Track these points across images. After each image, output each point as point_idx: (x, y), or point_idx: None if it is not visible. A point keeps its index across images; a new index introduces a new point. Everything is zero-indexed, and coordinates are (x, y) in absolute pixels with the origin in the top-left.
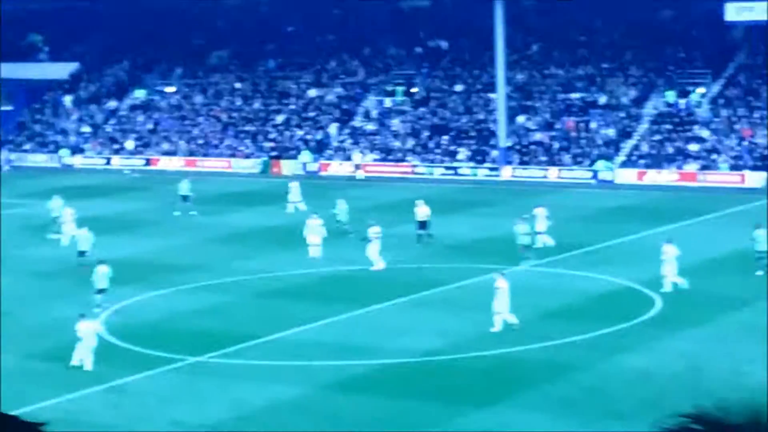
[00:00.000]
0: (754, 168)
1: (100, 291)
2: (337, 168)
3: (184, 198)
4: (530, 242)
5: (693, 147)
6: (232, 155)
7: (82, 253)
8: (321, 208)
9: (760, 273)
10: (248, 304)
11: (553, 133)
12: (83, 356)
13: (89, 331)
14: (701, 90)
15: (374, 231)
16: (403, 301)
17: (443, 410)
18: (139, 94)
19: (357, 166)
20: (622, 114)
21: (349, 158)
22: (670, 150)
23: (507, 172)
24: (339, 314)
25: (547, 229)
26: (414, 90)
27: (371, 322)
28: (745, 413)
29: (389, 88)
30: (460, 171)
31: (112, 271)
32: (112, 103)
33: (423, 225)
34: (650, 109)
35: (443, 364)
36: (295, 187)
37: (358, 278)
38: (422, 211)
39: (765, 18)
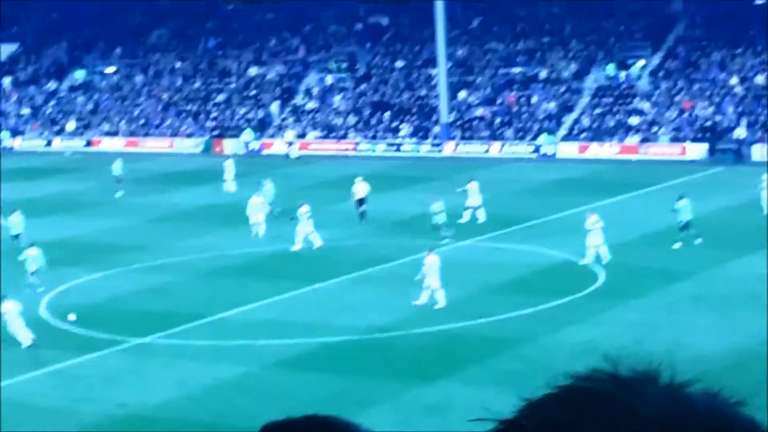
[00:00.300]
0: (695, 140)
1: (33, 273)
2: (280, 146)
3: (117, 178)
4: (445, 220)
5: (634, 120)
6: (174, 135)
7: (15, 237)
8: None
9: (692, 243)
10: (192, 283)
11: (495, 108)
12: (21, 336)
13: (12, 311)
14: (641, 62)
15: (303, 210)
16: (348, 278)
17: (388, 386)
18: (79, 75)
19: (290, 144)
20: (563, 88)
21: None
22: (611, 123)
23: (449, 148)
24: (283, 292)
25: (480, 203)
26: (355, 67)
27: (316, 299)
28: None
29: (330, 65)
30: (402, 147)
31: (54, 252)
32: (52, 84)
33: (361, 202)
34: (591, 82)
35: (388, 340)
36: (229, 166)
37: (301, 256)
38: (360, 189)
39: None
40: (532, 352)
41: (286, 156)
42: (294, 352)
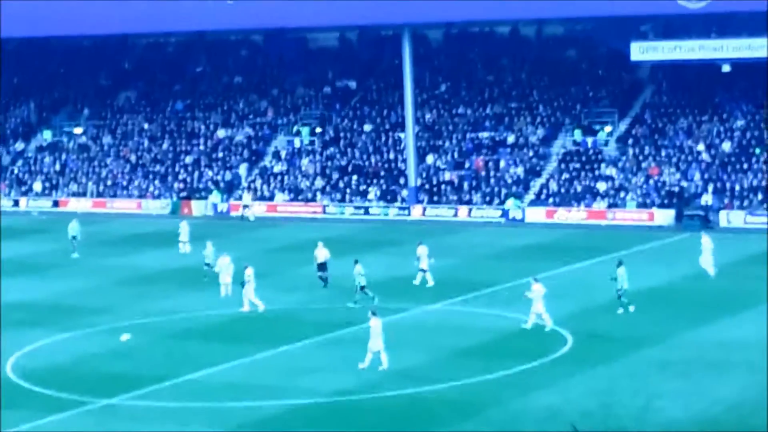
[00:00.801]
0: (662, 206)
1: None
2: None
3: (73, 238)
4: (365, 283)
5: (601, 185)
6: (142, 196)
7: None
8: (230, 248)
9: (627, 310)
10: (158, 345)
11: (463, 173)
12: None
13: None
14: (608, 128)
15: (248, 273)
16: (314, 341)
17: None
18: (47, 135)
19: (245, 207)
20: (531, 153)
21: (262, 198)
22: (579, 188)
23: (417, 212)
24: (249, 355)
25: (429, 268)
26: (318, 130)
27: (282, 362)
28: None
29: (298, 128)
30: (370, 210)
31: (19, 313)
32: (19, 145)
33: (322, 267)
34: (558, 147)
35: (355, 403)
36: (184, 227)
37: (268, 318)
38: (322, 254)
39: (669, 57)
40: (499, 417)
41: (242, 218)
42: (259, 414)
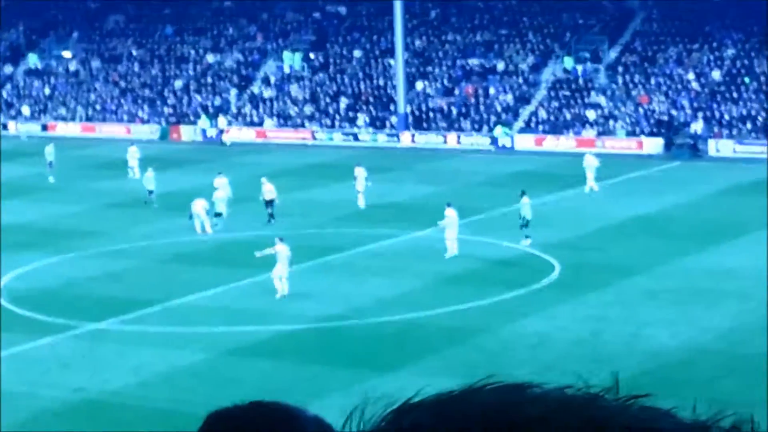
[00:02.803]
0: (651, 134)
1: None
2: (237, 134)
3: (50, 164)
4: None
5: (590, 113)
6: (131, 121)
7: None
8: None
9: (526, 242)
10: (147, 269)
11: (452, 99)
12: None
13: None
14: (598, 56)
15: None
16: (305, 267)
17: (345, 376)
18: (35, 59)
19: (221, 131)
20: (520, 80)
21: (251, 123)
22: (568, 116)
23: (406, 138)
24: (240, 280)
25: (364, 189)
26: (308, 56)
27: (272, 287)
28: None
29: (288, 53)
30: (359, 137)
31: (10, 236)
32: (8, 68)
33: (269, 204)
34: (548, 75)
35: (345, 329)
36: (132, 152)
37: (259, 244)
38: (268, 189)
39: None
40: (489, 343)
41: (221, 143)
42: (249, 339)
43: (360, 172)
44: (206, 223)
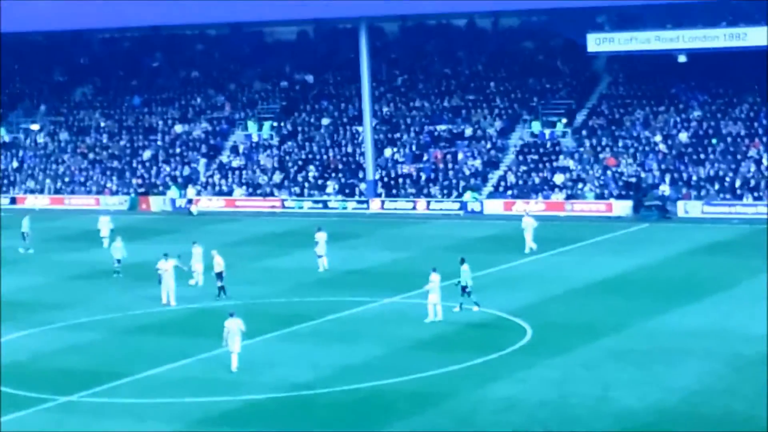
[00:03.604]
0: (620, 197)
1: None
2: (206, 203)
3: (24, 235)
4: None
5: (559, 177)
6: (100, 192)
7: None
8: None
9: (475, 308)
10: (115, 341)
11: (421, 165)
12: None
13: None
14: (565, 120)
15: (165, 266)
16: (273, 336)
17: None
18: (2, 133)
19: (189, 201)
20: (488, 145)
21: (220, 193)
22: (537, 180)
23: (376, 205)
24: (208, 350)
25: (325, 254)
26: (276, 124)
27: (241, 356)
28: None
29: (255, 122)
30: (329, 204)
31: None
32: None
33: (220, 276)
34: (516, 139)
35: (313, 397)
36: (104, 222)
37: (224, 314)
38: (218, 262)
39: (625, 48)
40: (457, 409)
41: (188, 212)
42: (218, 409)
43: (321, 237)
44: (171, 296)
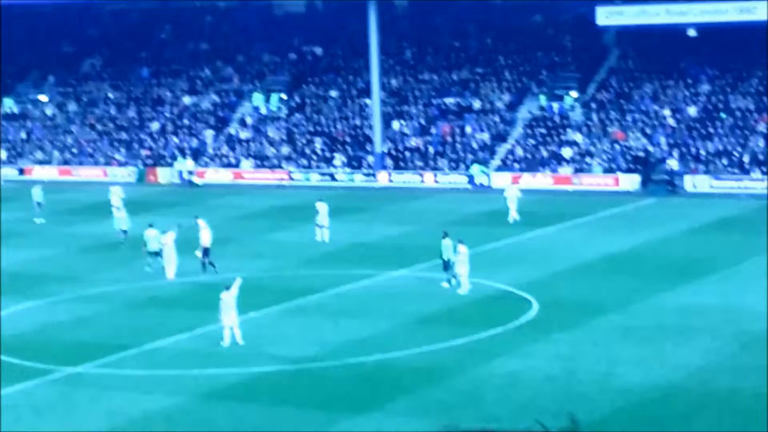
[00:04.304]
0: (628, 171)
1: None
2: (214, 175)
3: (38, 204)
4: (158, 249)
5: (567, 151)
6: (108, 164)
7: None
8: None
9: (444, 284)
10: (122, 313)
11: (429, 138)
12: None
13: None
14: (574, 94)
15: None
16: (279, 309)
17: (319, 418)
18: (11, 104)
19: (190, 172)
20: (497, 118)
21: (228, 165)
22: (545, 154)
23: (383, 178)
24: (213, 323)
25: (328, 224)
26: (284, 97)
27: (246, 330)
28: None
29: (264, 94)
30: (336, 177)
31: None
32: None
33: (206, 252)
34: (524, 113)
35: (319, 371)
36: (115, 192)
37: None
38: (205, 235)
39: (635, 22)
40: (462, 384)
41: (190, 183)
42: (224, 382)
43: (322, 207)
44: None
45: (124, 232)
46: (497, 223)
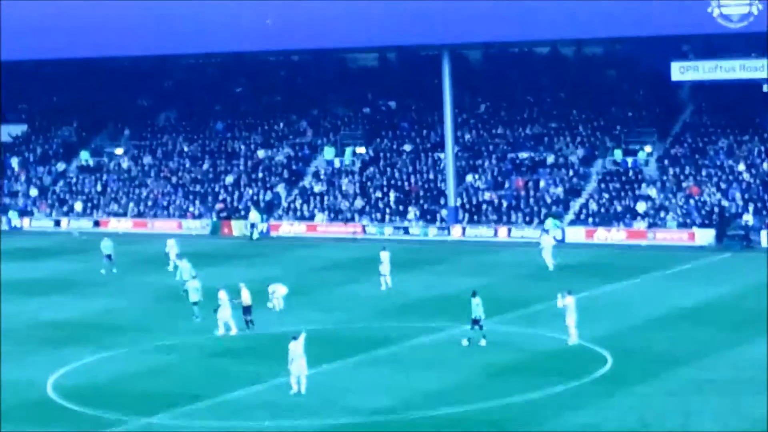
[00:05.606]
0: (702, 225)
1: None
2: (288, 228)
3: (108, 257)
4: (200, 298)
5: (641, 205)
6: (182, 216)
7: None
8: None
9: (478, 341)
10: (196, 364)
11: (503, 192)
12: None
13: None
14: (648, 149)
15: (221, 297)
16: (353, 361)
17: None
18: (87, 156)
19: (252, 225)
20: (570, 173)
21: (302, 218)
22: (619, 208)
23: (457, 231)
24: (286, 375)
25: (389, 273)
26: (359, 150)
27: (320, 381)
28: None
29: (338, 148)
30: (410, 230)
31: (59, 332)
32: (60, 165)
33: (248, 310)
34: (598, 167)
35: (392, 423)
36: (171, 245)
37: (307, 338)
38: (245, 295)
39: (710, 77)
40: None
41: (250, 238)
42: None
43: (384, 256)
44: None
45: (185, 281)
46: (572, 277)
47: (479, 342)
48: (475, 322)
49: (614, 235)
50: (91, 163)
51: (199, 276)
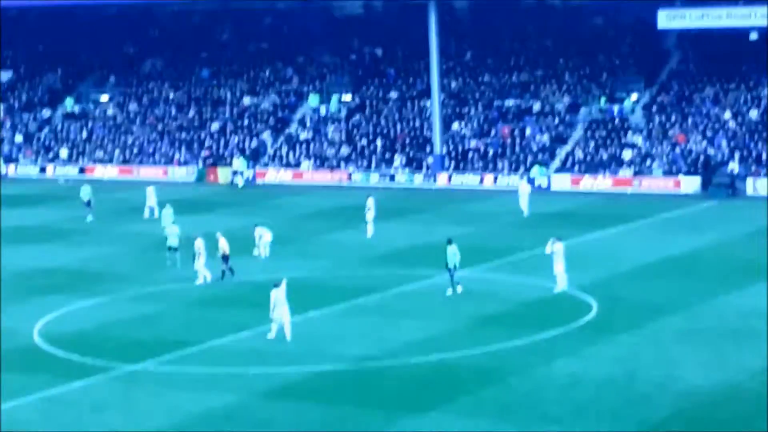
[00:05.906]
0: (688, 173)
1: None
2: (273, 175)
3: (88, 203)
4: (178, 244)
5: (627, 153)
6: (168, 163)
7: None
8: (254, 215)
9: (455, 289)
10: (182, 312)
11: (489, 140)
12: None
13: None
14: (634, 96)
15: (198, 245)
16: (339, 308)
17: (378, 417)
18: (72, 103)
19: (235, 173)
20: (557, 120)
21: (288, 165)
22: (605, 156)
23: (443, 179)
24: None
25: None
26: (344, 98)
27: (306, 328)
28: None
29: (314, 95)
30: (396, 178)
31: (46, 279)
32: (46, 112)
33: (226, 259)
34: (584, 115)
35: (378, 370)
36: (150, 192)
37: (293, 286)
38: (222, 244)
39: (696, 25)
40: (523, 384)
41: (232, 184)
42: (283, 381)
43: (371, 203)
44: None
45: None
46: (557, 225)
47: (456, 290)
48: (450, 271)
49: (600, 182)
50: (76, 110)
51: (182, 222)
